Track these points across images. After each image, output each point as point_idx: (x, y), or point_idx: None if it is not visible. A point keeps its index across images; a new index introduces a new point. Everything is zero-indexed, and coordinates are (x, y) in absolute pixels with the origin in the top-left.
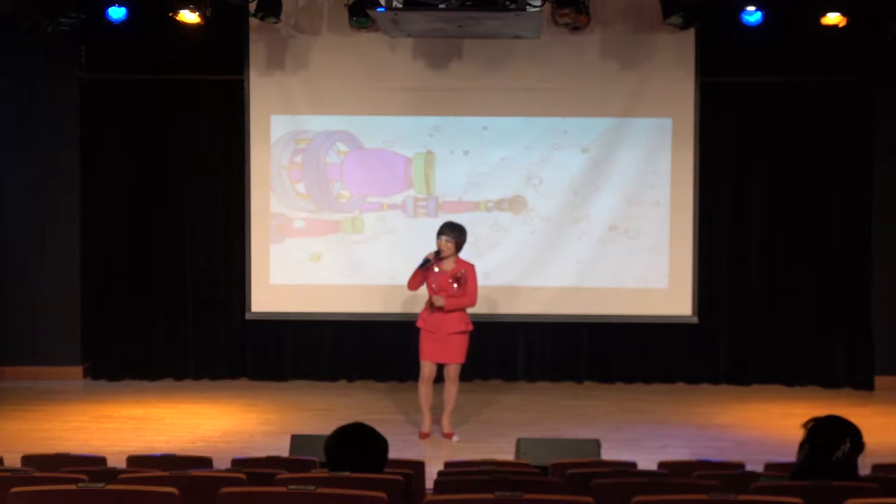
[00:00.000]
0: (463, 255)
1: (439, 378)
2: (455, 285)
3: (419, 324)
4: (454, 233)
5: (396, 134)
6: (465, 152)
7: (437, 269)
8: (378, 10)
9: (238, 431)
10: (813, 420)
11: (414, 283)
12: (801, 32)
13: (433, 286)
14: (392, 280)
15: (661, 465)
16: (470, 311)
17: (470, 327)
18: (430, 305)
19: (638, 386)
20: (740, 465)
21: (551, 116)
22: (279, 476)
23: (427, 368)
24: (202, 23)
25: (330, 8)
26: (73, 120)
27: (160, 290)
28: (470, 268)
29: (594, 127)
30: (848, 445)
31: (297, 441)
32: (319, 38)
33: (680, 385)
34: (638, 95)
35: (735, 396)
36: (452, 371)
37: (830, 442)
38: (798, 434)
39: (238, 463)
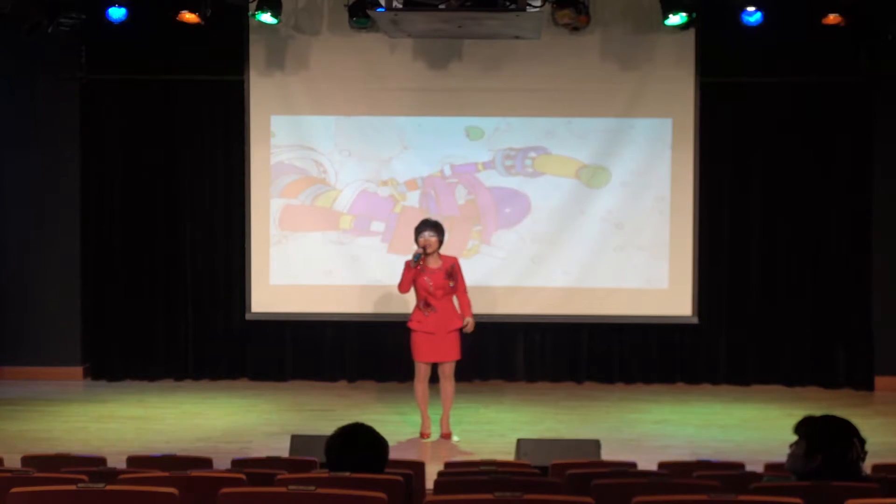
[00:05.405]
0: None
1: (433, 377)
2: (450, 282)
3: (412, 325)
4: (436, 229)
5: (396, 134)
6: (466, 152)
7: (424, 268)
8: (378, 10)
9: (238, 431)
10: (810, 424)
11: (406, 285)
12: (801, 32)
13: (429, 286)
14: (392, 280)
15: (661, 465)
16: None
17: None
18: (426, 306)
19: (638, 386)
20: (740, 465)
21: (551, 116)
22: (279, 476)
23: (424, 368)
24: (202, 23)
25: (330, 8)
26: (73, 120)
27: (160, 290)
28: (455, 260)
29: (594, 127)
30: (859, 447)
31: (297, 441)
32: (319, 38)
33: (680, 385)
34: (638, 95)
35: (735, 396)
36: (448, 368)
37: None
38: None
39: (238, 463)
